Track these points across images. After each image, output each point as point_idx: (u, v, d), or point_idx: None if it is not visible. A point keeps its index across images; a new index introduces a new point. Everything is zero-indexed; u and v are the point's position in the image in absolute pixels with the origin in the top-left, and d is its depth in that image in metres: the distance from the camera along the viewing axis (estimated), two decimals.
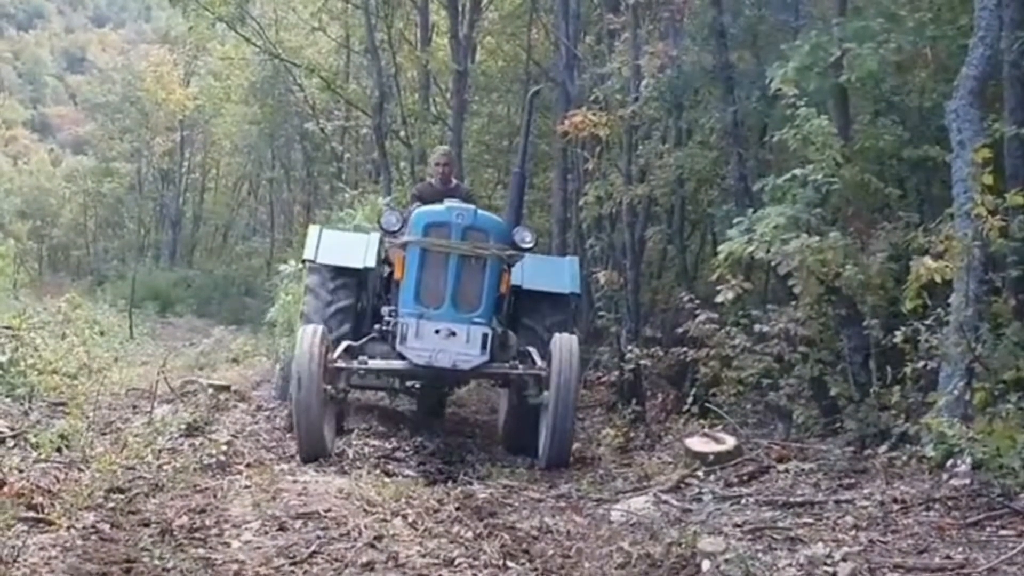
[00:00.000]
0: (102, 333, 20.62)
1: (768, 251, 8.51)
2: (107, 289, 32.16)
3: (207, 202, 43.08)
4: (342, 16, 25.32)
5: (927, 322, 7.51)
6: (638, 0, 12.33)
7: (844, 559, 5.48)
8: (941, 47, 9.55)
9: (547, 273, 10.45)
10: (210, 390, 11.99)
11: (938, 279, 7.11)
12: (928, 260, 7.02)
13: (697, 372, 11.44)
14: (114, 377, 14.33)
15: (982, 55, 7.96)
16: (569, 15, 15.24)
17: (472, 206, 9.76)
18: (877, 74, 9.20)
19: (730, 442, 8.55)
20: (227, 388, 12.62)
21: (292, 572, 5.56)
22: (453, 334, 9.18)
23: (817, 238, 8.30)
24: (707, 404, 10.08)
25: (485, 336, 9.22)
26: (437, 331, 9.18)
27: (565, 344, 9.10)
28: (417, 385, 10.48)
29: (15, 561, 5.01)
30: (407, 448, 9.71)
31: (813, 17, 11.74)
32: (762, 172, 11.34)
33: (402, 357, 9.33)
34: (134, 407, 11.69)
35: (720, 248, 9.16)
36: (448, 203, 9.70)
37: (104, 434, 9.64)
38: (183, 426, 9.68)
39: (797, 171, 8.72)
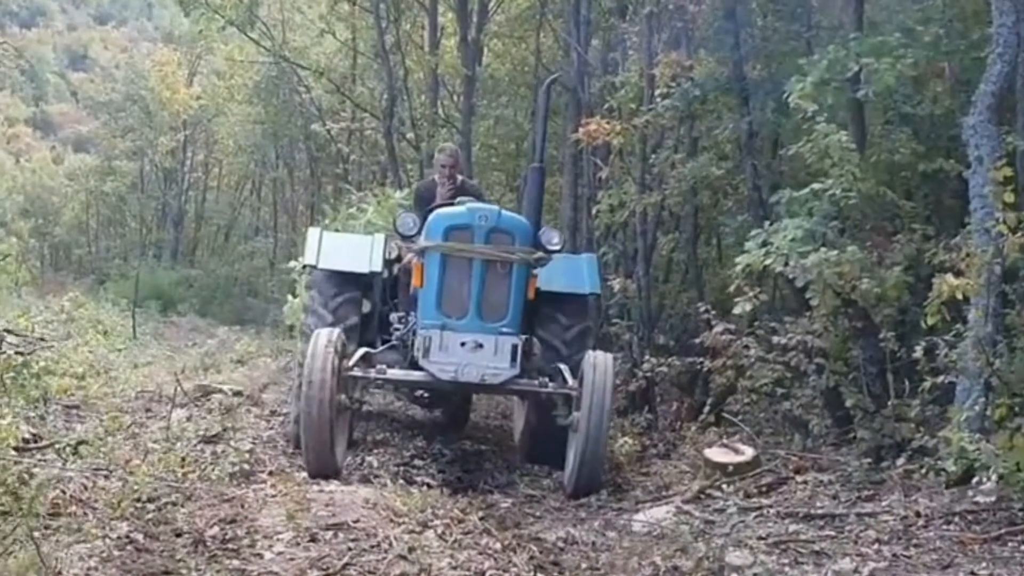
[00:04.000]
0: (105, 333, 20.65)
1: (786, 264, 8.57)
2: (109, 288, 32.15)
3: (209, 201, 43.02)
4: (349, 18, 25.33)
5: (946, 337, 7.60)
6: (652, 9, 12.34)
7: (872, 574, 5.56)
8: (953, 60, 9.64)
9: (565, 273, 9.75)
10: (233, 397, 12.00)
11: (959, 295, 7.19)
12: (950, 277, 7.10)
13: (709, 380, 11.60)
14: (122, 379, 14.28)
15: (1000, 71, 8.03)
16: (580, 21, 15.25)
17: (495, 207, 9.30)
18: (894, 89, 9.26)
19: (748, 453, 8.61)
20: (240, 392, 12.66)
21: None
22: (480, 346, 8.57)
23: (835, 251, 8.36)
24: (723, 414, 10.14)
25: (514, 347, 8.62)
26: (463, 343, 8.57)
27: (600, 363, 8.55)
28: (426, 394, 9.99)
29: (59, 574, 5.07)
30: (425, 456, 9.74)
31: (823, 28, 11.87)
32: (775, 183, 11.46)
33: (418, 367, 8.82)
34: (147, 411, 11.68)
35: (737, 260, 9.20)
36: (469, 204, 9.16)
37: (121, 439, 9.64)
38: (201, 433, 9.73)
39: (816, 185, 8.78)
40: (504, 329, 8.72)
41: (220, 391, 12.45)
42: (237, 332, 23.24)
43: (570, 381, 8.83)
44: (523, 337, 8.87)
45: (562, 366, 9.05)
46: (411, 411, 12.11)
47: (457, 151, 11.33)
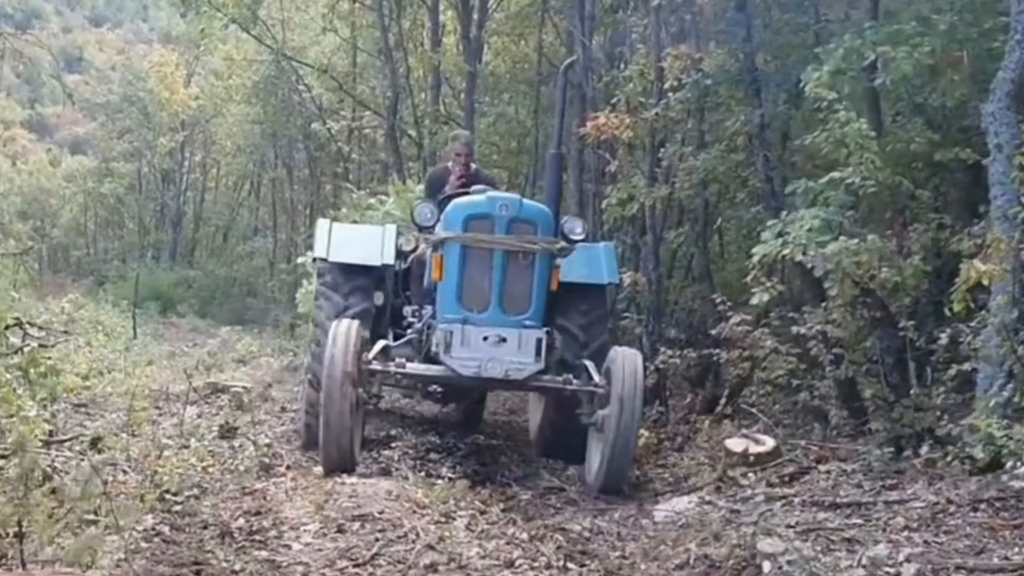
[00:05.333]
0: (106, 334, 20.63)
1: (804, 253, 8.53)
2: (108, 289, 32.11)
3: (208, 202, 42.91)
4: (349, 17, 25.30)
5: (972, 324, 7.57)
6: (660, 1, 12.28)
7: (908, 560, 5.52)
8: (967, 48, 9.59)
9: (582, 262, 9.29)
10: (245, 394, 11.94)
11: (986, 282, 7.15)
12: (978, 263, 7.05)
13: (720, 373, 11.59)
14: (126, 378, 14.18)
15: (1019, 58, 8.00)
16: (584, 16, 15.19)
17: (516, 195, 8.97)
18: (911, 77, 9.22)
19: (769, 443, 8.58)
20: (250, 389, 12.63)
21: (357, 574, 5.60)
22: (503, 340, 8.23)
23: (855, 240, 8.31)
24: (743, 405, 10.09)
25: (539, 341, 8.29)
26: (485, 338, 8.23)
27: (629, 361, 8.30)
28: (440, 390, 9.57)
29: (92, 565, 5.02)
30: (440, 451, 9.66)
31: (830, 21, 11.84)
32: (785, 175, 11.44)
33: (433, 362, 8.58)
34: (156, 408, 11.62)
35: (754, 251, 9.16)
36: (490, 193, 8.78)
37: (135, 435, 9.57)
38: (215, 428, 9.70)
39: (835, 174, 8.74)
40: (527, 322, 8.43)
41: (233, 388, 12.38)
42: (238, 332, 23.16)
43: (596, 378, 8.55)
44: (546, 330, 8.57)
45: (587, 363, 8.77)
46: (419, 408, 12.03)
47: (472, 139, 11.02)
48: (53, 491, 5.78)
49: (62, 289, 28.77)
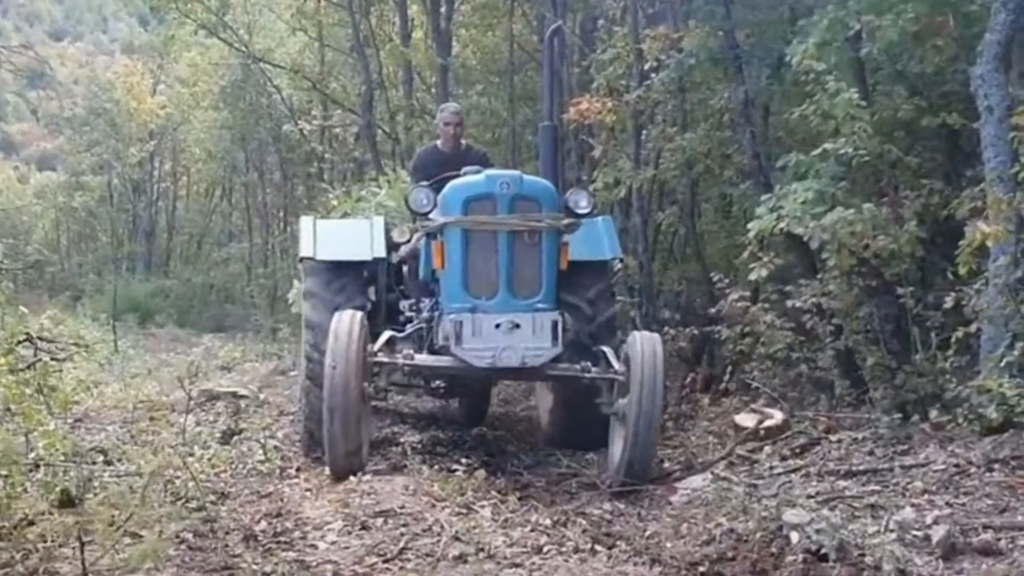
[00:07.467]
0: (87, 347, 20.43)
1: (800, 226, 8.55)
2: (86, 304, 31.84)
3: (179, 210, 42.59)
4: (315, 16, 25.13)
5: (973, 287, 7.62)
6: None
7: (936, 522, 5.56)
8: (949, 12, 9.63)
9: (583, 239, 8.75)
10: (240, 400, 11.87)
11: (990, 243, 7.20)
12: (983, 225, 7.09)
13: (715, 351, 11.63)
14: (113, 391, 14.05)
15: (1005, 20, 8.08)
16: (556, 3, 15.14)
17: (516, 172, 8.44)
18: (897, 45, 9.25)
19: (778, 416, 8.63)
20: (246, 396, 12.55)
21: (387, 569, 5.59)
22: (517, 326, 7.73)
23: (851, 210, 8.34)
24: (748, 381, 10.12)
25: (555, 324, 7.80)
26: (497, 325, 7.74)
27: (648, 345, 7.84)
28: (443, 385, 9.32)
29: (128, 574, 4.99)
30: (446, 445, 9.60)
31: None
32: (769, 150, 11.47)
33: (437, 354, 8.25)
34: (151, 419, 11.52)
35: (749, 226, 9.18)
36: (488, 172, 8.28)
37: (138, 446, 9.46)
38: (217, 435, 9.63)
39: (828, 145, 8.75)
40: (539, 305, 7.97)
41: (239, 393, 12.30)
42: (220, 339, 23.06)
43: (615, 364, 8.14)
44: (560, 312, 8.08)
45: (606, 349, 8.38)
46: (415, 404, 11.95)
47: (461, 110, 10.49)
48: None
49: (39, 306, 28.44)
